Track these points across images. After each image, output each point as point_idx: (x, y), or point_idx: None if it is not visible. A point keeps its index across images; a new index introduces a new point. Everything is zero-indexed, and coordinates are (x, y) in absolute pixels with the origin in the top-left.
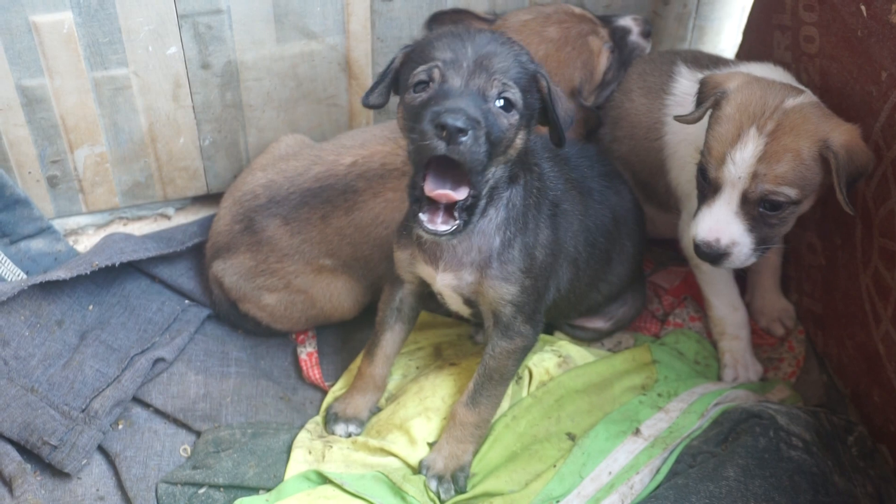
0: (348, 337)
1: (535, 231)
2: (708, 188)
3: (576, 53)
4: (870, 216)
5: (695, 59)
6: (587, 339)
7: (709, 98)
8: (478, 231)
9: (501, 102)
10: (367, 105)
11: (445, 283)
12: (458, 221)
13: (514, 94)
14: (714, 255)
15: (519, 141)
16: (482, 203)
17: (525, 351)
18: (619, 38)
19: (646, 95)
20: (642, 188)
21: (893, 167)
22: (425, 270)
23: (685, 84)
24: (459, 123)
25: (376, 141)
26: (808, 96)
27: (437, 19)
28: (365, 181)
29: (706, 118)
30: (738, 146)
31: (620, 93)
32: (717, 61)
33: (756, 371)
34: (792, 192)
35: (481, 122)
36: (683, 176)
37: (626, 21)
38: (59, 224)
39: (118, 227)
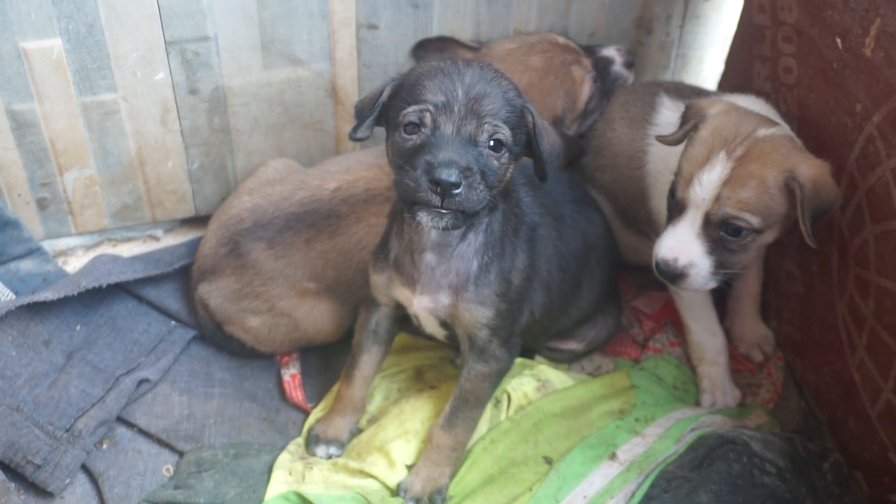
0: (332, 359)
1: (511, 256)
2: (675, 208)
3: (559, 82)
4: (845, 245)
5: (677, 90)
6: (564, 360)
7: (685, 122)
8: (456, 255)
9: (492, 143)
10: (354, 139)
11: (422, 305)
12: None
13: (505, 135)
14: (672, 274)
15: (509, 175)
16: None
17: (500, 375)
18: (602, 67)
19: (628, 125)
20: (624, 216)
21: (868, 198)
22: (402, 293)
23: (667, 114)
24: (453, 178)
25: (361, 167)
26: (781, 129)
27: (422, 46)
28: (349, 206)
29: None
30: (706, 168)
31: (603, 122)
32: (698, 93)
33: (734, 397)
34: (753, 220)
35: (474, 170)
36: (664, 204)
37: (610, 51)
38: (48, 245)
39: (107, 249)
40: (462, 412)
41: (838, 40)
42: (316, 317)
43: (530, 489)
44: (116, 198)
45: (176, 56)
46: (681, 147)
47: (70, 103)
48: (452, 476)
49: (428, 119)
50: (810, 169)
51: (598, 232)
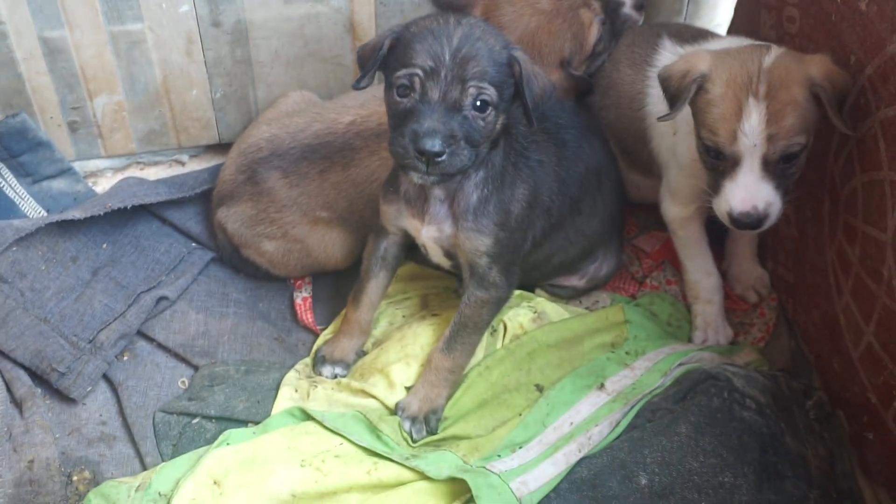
0: (342, 284)
1: (511, 187)
2: (724, 164)
3: (566, 25)
4: (836, 193)
5: (679, 33)
6: (565, 296)
7: (684, 89)
8: (459, 188)
9: (478, 104)
10: (357, 88)
11: (429, 235)
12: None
13: (490, 94)
14: (755, 221)
15: (499, 126)
16: None
17: (499, 302)
18: (611, 10)
19: (631, 66)
20: (628, 155)
21: (858, 147)
22: (412, 224)
23: (667, 56)
24: (437, 148)
25: (375, 102)
26: (775, 48)
27: None
28: (362, 140)
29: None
30: (744, 118)
31: (610, 63)
32: (701, 34)
33: (726, 335)
34: (802, 139)
35: (458, 135)
36: (663, 145)
37: None
38: (79, 166)
39: (135, 171)
40: (461, 336)
41: None
42: (327, 244)
43: (520, 414)
44: (143, 123)
45: None
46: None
47: (99, 32)
48: (448, 398)
49: (417, 83)
50: (820, 68)
51: (600, 159)
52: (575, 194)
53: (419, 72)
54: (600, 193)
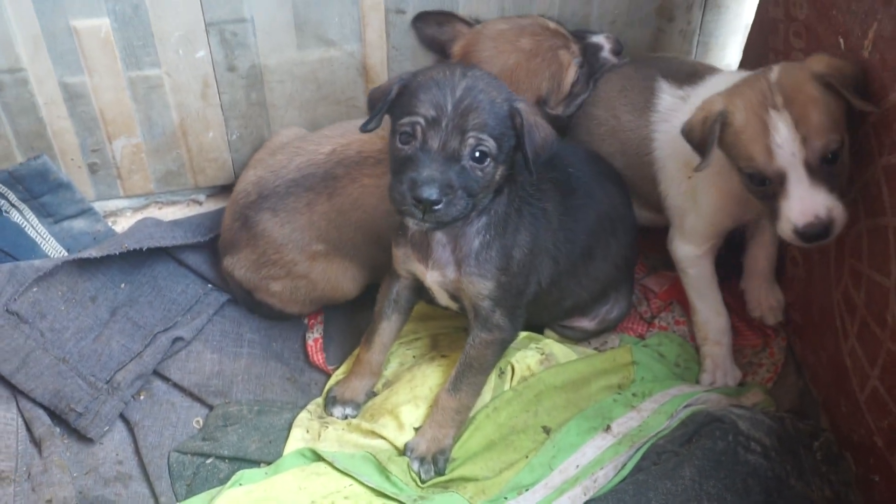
0: (355, 324)
1: (514, 233)
2: (772, 187)
3: (545, 65)
4: (842, 236)
5: (672, 73)
6: (575, 338)
7: (709, 133)
8: (461, 234)
9: (477, 154)
10: (364, 131)
11: (433, 279)
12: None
13: (489, 146)
14: (822, 230)
15: (498, 177)
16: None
17: (504, 343)
18: (590, 53)
19: (632, 113)
20: (639, 196)
21: (863, 193)
22: (418, 268)
23: (668, 100)
24: (433, 196)
25: (354, 131)
26: (775, 65)
27: (422, 18)
28: (343, 168)
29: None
30: (772, 133)
31: (604, 110)
32: (694, 71)
33: (735, 377)
34: (837, 136)
35: (455, 185)
36: (672, 189)
37: (599, 38)
38: (99, 206)
39: (154, 210)
40: (467, 377)
41: (841, 40)
42: (330, 277)
43: (527, 456)
44: (161, 164)
45: (215, 36)
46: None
47: (117, 77)
48: (456, 438)
49: (419, 131)
50: (822, 62)
51: (615, 204)
52: (585, 241)
53: (421, 120)
54: (614, 238)
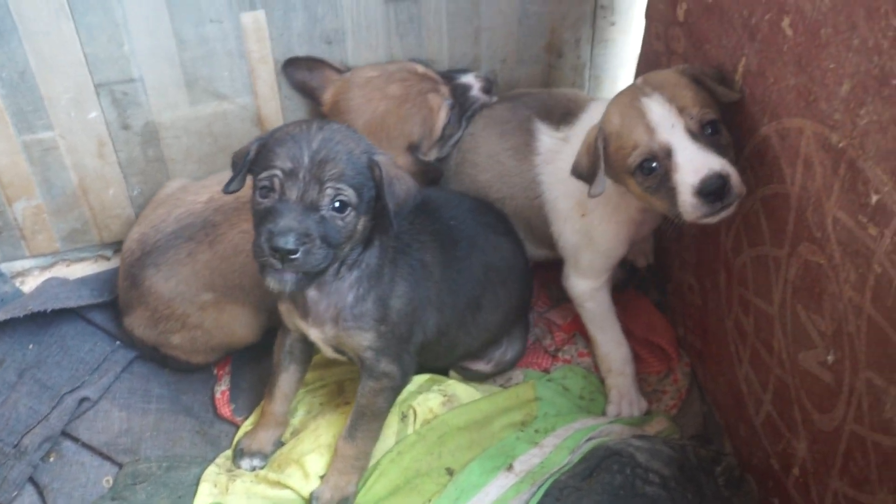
0: (263, 374)
1: (390, 283)
2: (662, 165)
3: (416, 110)
4: (730, 266)
5: (547, 113)
6: (474, 379)
7: (594, 154)
8: (333, 290)
9: (337, 205)
10: (226, 192)
11: (315, 335)
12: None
13: (348, 195)
14: (720, 182)
15: (360, 227)
16: (333, 266)
17: (394, 390)
18: (459, 94)
19: (514, 157)
20: (535, 237)
21: (744, 223)
22: (300, 323)
23: (547, 142)
24: (290, 245)
25: None
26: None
27: (292, 64)
28: (222, 214)
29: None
30: (647, 112)
31: (486, 157)
32: (567, 109)
33: (641, 407)
34: (711, 111)
35: (313, 235)
36: (566, 228)
37: (468, 78)
38: (5, 267)
39: (62, 268)
40: (361, 424)
41: None
42: (223, 324)
43: (430, 500)
44: (64, 223)
45: (106, 96)
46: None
47: (11, 142)
48: (360, 485)
49: (277, 184)
50: (684, 65)
51: (504, 255)
52: (470, 292)
53: (279, 173)
54: (503, 287)
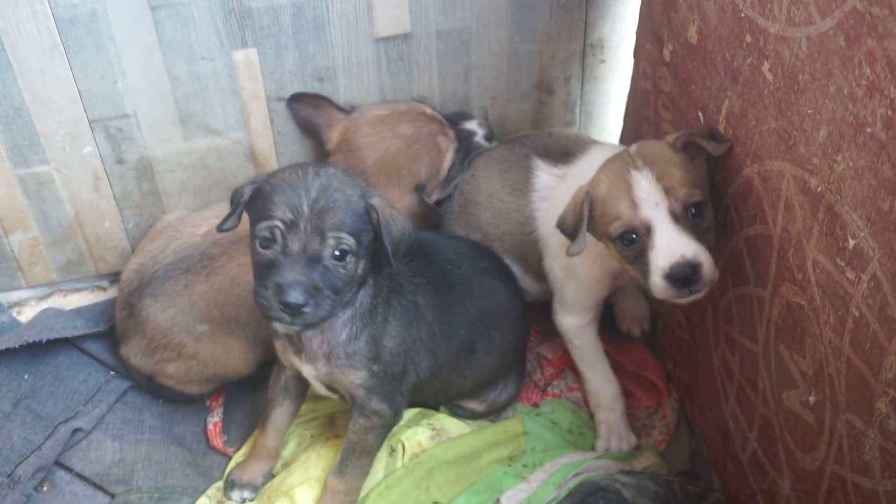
0: (256, 406)
1: (383, 323)
2: (640, 241)
3: (425, 150)
4: (716, 304)
5: (546, 151)
6: (465, 416)
7: (579, 216)
8: (327, 328)
9: (337, 254)
10: (220, 231)
11: (308, 372)
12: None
13: (348, 244)
14: (689, 270)
15: (360, 271)
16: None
17: (384, 427)
18: (464, 138)
19: (513, 194)
20: (533, 271)
21: (729, 262)
22: (294, 360)
23: (545, 178)
24: (300, 300)
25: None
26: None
27: (297, 100)
28: (219, 247)
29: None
30: (634, 187)
31: (486, 196)
32: (566, 150)
33: (630, 442)
34: (698, 193)
35: (320, 287)
36: (555, 263)
37: (472, 125)
38: (2, 297)
39: (58, 298)
40: (351, 460)
41: (700, 114)
42: (217, 356)
43: None
44: (61, 255)
45: (100, 132)
46: None
47: (7, 175)
48: None
49: (278, 235)
50: (669, 136)
51: (500, 299)
52: (464, 336)
53: (279, 224)
54: (498, 331)
